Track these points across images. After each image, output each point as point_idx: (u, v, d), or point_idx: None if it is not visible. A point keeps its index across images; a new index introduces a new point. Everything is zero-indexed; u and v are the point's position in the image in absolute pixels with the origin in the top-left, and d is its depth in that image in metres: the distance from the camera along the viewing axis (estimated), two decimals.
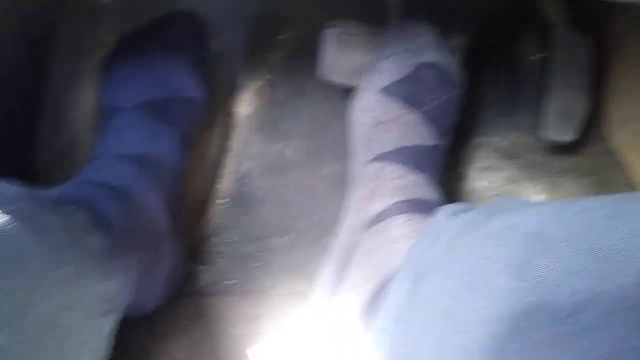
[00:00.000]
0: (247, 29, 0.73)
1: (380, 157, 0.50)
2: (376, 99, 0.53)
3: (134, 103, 0.56)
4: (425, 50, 0.54)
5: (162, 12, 0.63)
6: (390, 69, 0.53)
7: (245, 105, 0.72)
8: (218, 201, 0.68)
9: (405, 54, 0.53)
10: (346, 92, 0.66)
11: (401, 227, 0.46)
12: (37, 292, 0.32)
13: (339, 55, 0.59)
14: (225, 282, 0.62)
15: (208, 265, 0.63)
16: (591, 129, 0.67)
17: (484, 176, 0.68)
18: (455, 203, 0.42)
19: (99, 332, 0.40)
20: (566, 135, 0.61)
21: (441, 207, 0.41)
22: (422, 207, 0.48)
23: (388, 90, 0.52)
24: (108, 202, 0.46)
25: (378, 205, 0.48)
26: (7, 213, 0.33)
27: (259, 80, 0.72)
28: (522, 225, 0.28)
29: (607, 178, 0.65)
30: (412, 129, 0.51)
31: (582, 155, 0.67)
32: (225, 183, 0.69)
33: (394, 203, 0.47)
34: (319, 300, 0.50)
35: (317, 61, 0.64)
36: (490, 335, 0.26)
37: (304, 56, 0.70)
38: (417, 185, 0.49)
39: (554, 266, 0.25)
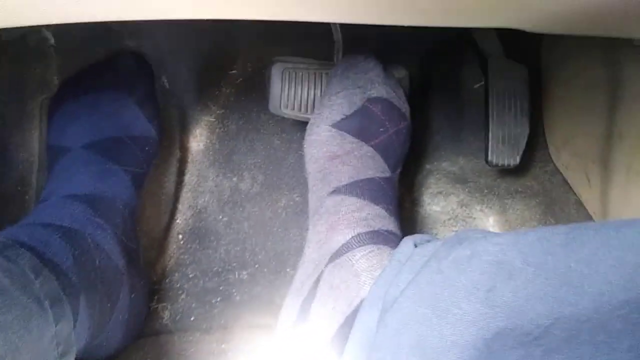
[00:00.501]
0: (197, 65, 0.73)
1: (338, 190, 0.52)
2: (329, 134, 0.54)
3: (82, 143, 0.56)
4: (372, 85, 0.56)
5: (107, 52, 0.63)
6: (340, 104, 0.55)
7: (198, 140, 0.72)
8: (176, 237, 0.67)
9: (354, 89, 0.55)
10: (299, 124, 0.67)
11: (363, 260, 0.46)
12: None
13: (285, 90, 0.60)
14: (187, 319, 0.61)
15: (168, 303, 0.62)
16: (536, 151, 0.70)
17: (437, 201, 0.70)
18: (416, 234, 0.43)
19: None
20: (510, 160, 0.64)
21: (404, 238, 0.42)
22: (382, 238, 0.49)
23: (339, 125, 0.54)
24: (56, 244, 0.45)
25: (339, 238, 0.49)
26: None
27: (211, 115, 0.72)
28: (483, 254, 0.29)
29: (555, 197, 0.68)
30: (365, 162, 0.53)
31: (530, 177, 0.70)
32: (183, 218, 0.68)
33: (355, 235, 0.48)
34: (284, 335, 0.50)
35: (264, 97, 0.65)
36: (463, 357, 0.27)
37: (255, 90, 0.71)
38: (376, 216, 0.50)
39: (517, 292, 0.27)
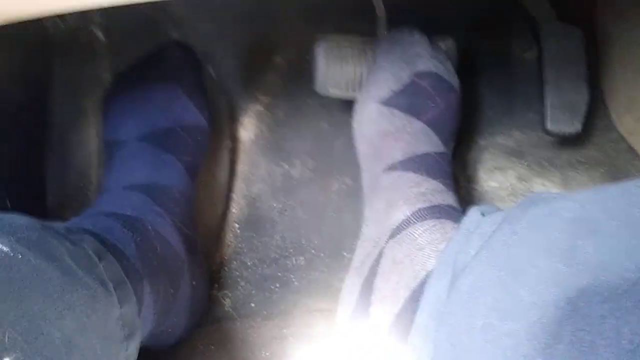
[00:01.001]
0: (242, 54, 0.73)
1: (393, 167, 0.51)
2: (378, 111, 0.53)
3: (136, 135, 0.57)
4: (419, 59, 0.54)
5: (154, 44, 0.64)
6: (387, 79, 0.53)
7: (247, 129, 0.72)
8: (232, 226, 0.67)
9: (400, 63, 0.54)
10: (346, 107, 0.66)
11: (427, 234, 0.45)
12: (49, 314, 0.32)
13: (331, 68, 0.60)
14: (247, 306, 0.62)
15: (229, 291, 0.63)
16: (597, 119, 0.67)
17: (494, 177, 0.68)
18: (482, 205, 0.42)
19: (119, 355, 0.39)
20: (572, 127, 0.61)
21: (471, 208, 0.41)
22: (444, 213, 0.48)
23: (388, 102, 0.53)
24: (119, 231, 0.46)
25: (399, 214, 0.48)
26: (17, 240, 0.33)
27: (258, 104, 0.72)
28: (562, 212, 0.28)
29: (620, 166, 0.65)
30: (418, 138, 0.52)
31: (591, 146, 0.67)
32: (237, 207, 0.69)
33: (416, 210, 0.47)
34: (346, 315, 0.50)
35: (312, 80, 0.65)
36: (540, 320, 0.26)
37: (300, 75, 0.71)
38: (434, 191, 0.49)
39: (600, 248, 0.25)
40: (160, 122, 0.58)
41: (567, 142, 0.67)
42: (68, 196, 0.64)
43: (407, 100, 0.52)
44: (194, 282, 0.55)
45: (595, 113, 0.67)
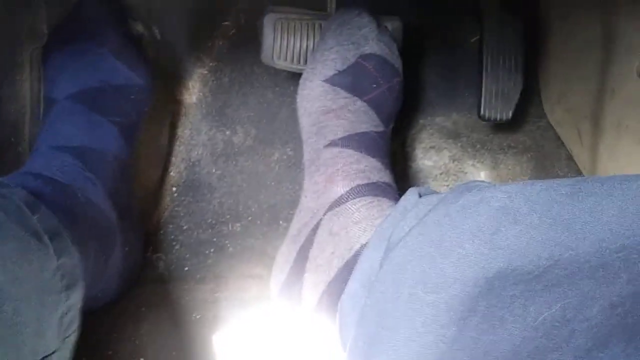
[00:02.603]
0: (190, 16, 0.72)
1: (334, 143, 0.52)
2: (322, 89, 0.54)
3: (67, 94, 0.56)
4: (367, 41, 0.56)
5: None
6: (334, 59, 0.55)
7: (191, 92, 0.71)
8: (170, 189, 0.67)
9: (347, 44, 0.55)
10: (292, 77, 0.67)
11: (364, 209, 0.48)
12: None
13: (277, 40, 0.60)
14: (181, 269, 0.63)
15: (163, 254, 0.63)
16: (530, 107, 0.70)
17: (429, 156, 0.70)
18: (420, 186, 0.44)
19: (59, 307, 0.39)
20: (503, 114, 0.64)
21: (410, 188, 0.44)
22: (381, 190, 0.50)
23: (333, 80, 0.54)
24: (49, 196, 0.46)
25: (338, 189, 0.50)
26: None
27: (204, 68, 0.72)
28: (490, 200, 0.30)
29: (547, 153, 0.69)
30: (359, 117, 0.53)
31: (521, 132, 0.70)
32: (176, 171, 0.69)
33: (355, 186, 0.50)
34: (279, 280, 0.52)
35: (258, 49, 0.65)
36: (460, 294, 0.29)
37: (248, 42, 0.71)
38: (373, 169, 0.51)
39: (520, 236, 0.28)
40: (89, 82, 0.56)
41: (500, 127, 0.70)
42: None
43: (351, 80, 0.54)
44: (126, 248, 0.55)
45: (530, 101, 0.70)
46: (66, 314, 0.40)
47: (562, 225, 0.27)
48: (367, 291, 0.38)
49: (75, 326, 0.41)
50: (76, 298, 0.42)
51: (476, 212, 0.30)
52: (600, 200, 0.27)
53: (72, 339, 0.41)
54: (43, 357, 0.36)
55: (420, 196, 0.41)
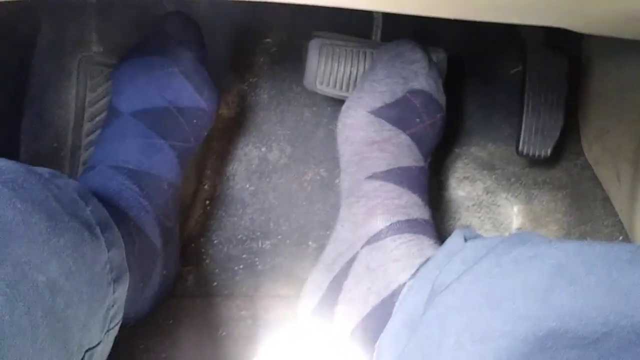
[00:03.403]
0: (232, 32, 0.73)
1: (376, 176, 0.52)
2: (367, 119, 0.54)
3: (132, 109, 0.56)
4: (417, 76, 0.56)
5: (159, 15, 0.61)
6: (382, 91, 0.55)
7: (230, 107, 0.72)
8: (202, 202, 0.68)
9: (397, 79, 0.56)
10: (331, 99, 0.67)
11: (403, 247, 0.48)
12: (34, 259, 0.32)
13: (322, 66, 0.60)
14: (209, 284, 0.63)
15: (193, 267, 0.64)
16: (568, 143, 0.70)
17: (463, 186, 0.70)
18: (465, 228, 0.44)
19: (106, 300, 0.40)
20: (542, 151, 0.63)
21: (456, 230, 0.44)
22: (420, 228, 0.50)
23: (379, 112, 0.54)
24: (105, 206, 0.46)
25: (378, 223, 0.50)
26: (2, 182, 0.33)
27: (243, 83, 0.72)
28: (546, 257, 0.30)
29: (582, 192, 0.68)
30: (402, 151, 0.54)
31: (558, 168, 0.70)
32: (210, 184, 0.69)
33: (395, 222, 0.50)
34: (309, 307, 0.52)
35: (301, 67, 0.65)
36: (508, 349, 0.28)
37: (289, 61, 0.71)
38: (413, 205, 0.52)
39: (576, 298, 0.28)
40: (155, 100, 0.56)
41: (536, 161, 0.69)
42: (41, 154, 0.64)
43: (397, 113, 0.54)
44: (164, 272, 0.55)
45: (568, 137, 0.70)
46: (112, 306, 0.40)
47: (620, 292, 0.27)
48: (409, 331, 0.38)
49: (118, 319, 0.42)
50: (122, 291, 0.42)
51: (530, 267, 0.30)
52: None
53: (114, 331, 0.41)
54: (87, 349, 0.37)
55: (465, 239, 0.41)
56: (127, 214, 0.50)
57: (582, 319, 0.27)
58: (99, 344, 0.38)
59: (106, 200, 0.48)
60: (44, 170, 0.41)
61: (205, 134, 0.61)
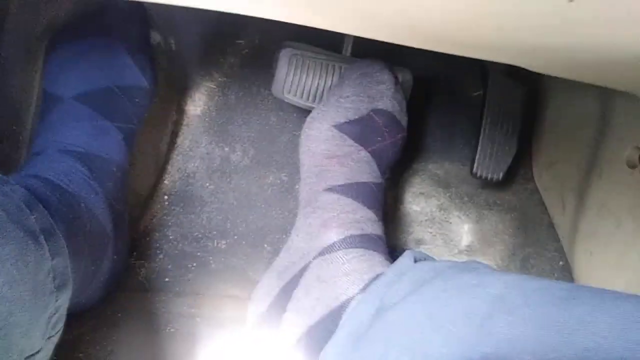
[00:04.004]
0: (206, 31, 0.73)
1: (333, 189, 0.54)
2: (330, 133, 0.56)
3: (74, 93, 0.56)
4: (382, 97, 0.58)
5: None
6: (347, 108, 0.56)
7: (197, 104, 0.72)
8: (161, 197, 0.68)
9: (362, 96, 0.57)
10: (298, 107, 0.68)
11: (355, 261, 0.49)
12: None
13: (290, 76, 0.61)
14: (161, 280, 0.63)
15: (146, 261, 0.64)
16: (520, 168, 0.73)
17: (418, 201, 0.72)
18: (415, 250, 0.46)
19: (48, 308, 0.40)
20: (494, 175, 0.66)
21: (406, 251, 0.46)
22: (372, 243, 0.52)
23: (342, 127, 0.56)
24: (52, 201, 0.46)
25: (332, 235, 0.51)
26: None
27: (212, 82, 0.73)
28: (488, 286, 0.32)
29: (530, 216, 0.71)
30: (361, 167, 0.55)
31: (509, 192, 0.73)
32: (170, 180, 0.70)
33: (348, 236, 0.51)
34: (258, 311, 0.53)
35: (271, 71, 0.66)
36: None
37: (259, 64, 0.72)
38: (367, 220, 0.53)
39: (512, 327, 0.30)
40: (99, 82, 0.56)
41: (489, 183, 0.72)
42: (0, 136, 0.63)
43: (360, 130, 0.56)
44: (115, 256, 0.56)
45: (521, 162, 0.73)
46: (54, 314, 0.41)
47: (552, 326, 0.29)
48: (353, 345, 0.40)
49: (60, 326, 0.42)
50: (65, 298, 0.42)
51: (472, 295, 0.32)
52: (592, 311, 0.28)
53: (56, 338, 0.42)
54: (27, 357, 0.37)
55: (415, 261, 0.43)
56: (77, 196, 0.50)
57: (516, 347, 0.29)
58: (39, 351, 0.39)
59: (55, 184, 0.48)
60: None
61: (145, 115, 0.62)
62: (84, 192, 0.51)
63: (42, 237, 0.40)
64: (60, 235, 0.43)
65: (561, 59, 0.38)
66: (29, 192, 0.43)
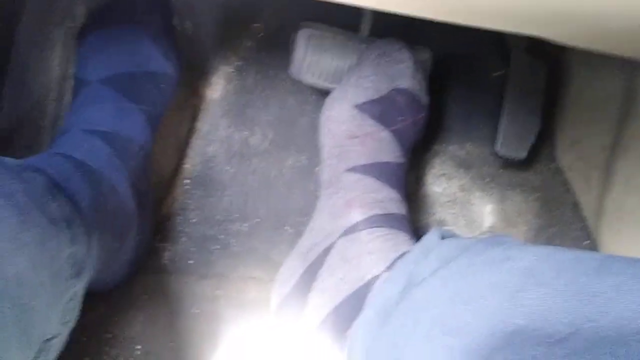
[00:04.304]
0: (222, 15, 0.73)
1: (355, 169, 0.54)
2: (350, 113, 0.55)
3: (101, 77, 0.56)
4: (402, 76, 0.57)
5: None
6: (367, 87, 0.56)
7: (215, 89, 0.72)
8: (182, 181, 0.69)
9: (383, 76, 0.57)
10: (316, 88, 0.68)
11: (379, 240, 0.49)
12: (4, 252, 0.33)
13: (309, 56, 0.61)
14: (185, 262, 0.64)
15: (169, 244, 0.65)
16: (544, 148, 0.72)
17: (439, 182, 0.72)
18: (442, 228, 0.46)
19: (66, 293, 0.41)
20: (518, 153, 0.65)
21: (433, 228, 0.46)
22: (397, 222, 0.52)
23: (362, 107, 0.55)
24: (76, 182, 0.47)
25: (356, 215, 0.51)
26: None
27: (230, 66, 0.73)
28: (518, 260, 0.32)
29: (554, 196, 0.70)
30: (384, 146, 0.55)
31: (533, 172, 0.72)
32: (191, 164, 0.70)
33: (373, 215, 0.51)
34: (282, 292, 0.53)
35: (288, 54, 0.66)
36: (475, 342, 0.30)
37: (276, 47, 0.72)
38: (391, 200, 0.53)
39: (544, 299, 0.29)
40: (124, 66, 0.57)
41: (512, 163, 0.71)
42: (20, 123, 0.63)
43: (380, 110, 0.55)
44: (139, 237, 0.56)
45: (544, 142, 0.72)
46: (71, 300, 0.42)
47: (586, 296, 0.28)
48: (382, 321, 0.40)
49: (76, 312, 0.43)
50: (81, 285, 0.43)
51: (502, 268, 0.32)
52: (627, 280, 0.28)
53: (72, 324, 0.43)
54: (45, 340, 0.38)
55: (442, 238, 0.43)
56: (101, 173, 0.50)
57: (549, 319, 0.28)
58: (56, 335, 0.39)
59: (79, 160, 0.49)
60: (13, 162, 0.42)
61: (170, 100, 0.62)
62: (107, 169, 0.51)
63: (63, 224, 0.41)
64: (81, 224, 0.43)
65: (588, 27, 0.37)
66: (51, 176, 0.44)
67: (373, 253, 0.49)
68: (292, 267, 0.54)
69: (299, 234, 0.59)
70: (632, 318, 0.27)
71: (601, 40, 0.42)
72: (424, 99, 0.59)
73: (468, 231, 0.71)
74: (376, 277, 0.47)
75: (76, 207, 0.44)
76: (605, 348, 0.27)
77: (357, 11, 0.64)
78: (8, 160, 0.41)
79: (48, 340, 0.38)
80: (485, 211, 0.71)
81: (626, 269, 0.29)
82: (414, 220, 0.71)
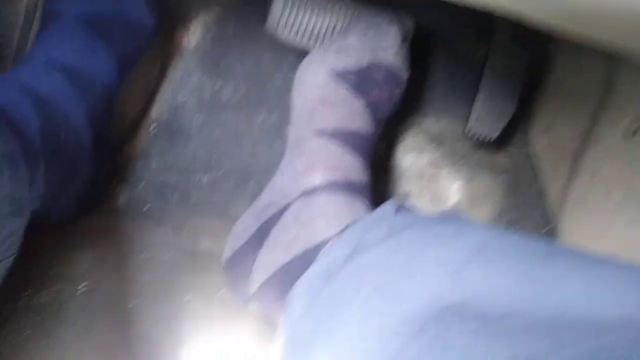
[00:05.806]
0: None
1: (323, 133, 0.53)
2: (326, 78, 0.54)
3: (75, 12, 0.55)
4: (385, 52, 0.56)
5: None
6: (349, 56, 0.55)
7: (193, 36, 0.70)
8: (147, 126, 0.67)
9: (366, 48, 0.55)
10: (295, 48, 0.66)
11: (334, 205, 0.49)
12: None
13: (287, 11, 0.59)
14: (141, 207, 0.63)
15: (127, 188, 0.64)
16: (518, 133, 0.71)
17: (409, 155, 0.71)
18: (397, 201, 0.46)
19: (2, 230, 0.40)
20: (489, 133, 0.64)
21: (388, 200, 0.46)
22: (356, 191, 0.51)
23: (340, 74, 0.54)
24: (26, 108, 0.46)
25: (317, 179, 0.51)
26: None
27: (209, 13, 0.71)
28: (469, 237, 0.32)
29: (521, 180, 0.70)
30: (355, 116, 0.54)
31: (504, 154, 0.71)
32: (158, 110, 0.68)
33: (333, 181, 0.51)
34: (235, 246, 0.52)
35: (268, 9, 0.64)
36: (412, 313, 0.30)
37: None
38: (353, 168, 0.52)
39: (487, 277, 0.29)
40: (102, 7, 0.56)
41: (484, 144, 0.70)
42: None
43: (358, 80, 0.54)
44: (93, 174, 0.55)
45: (519, 126, 0.71)
46: (9, 237, 0.41)
47: (529, 280, 0.28)
48: (323, 283, 0.39)
49: (14, 250, 0.42)
50: (19, 224, 0.43)
51: (450, 244, 0.32)
52: (568, 272, 0.28)
53: (8, 262, 0.42)
54: None
55: (398, 209, 0.43)
56: (55, 102, 0.49)
57: (489, 298, 0.28)
58: None
59: (32, 88, 0.47)
60: None
61: (146, 49, 0.61)
62: (62, 100, 0.50)
63: (4, 162, 0.40)
64: (22, 157, 0.42)
65: (574, 11, 0.36)
66: (3, 114, 0.43)
67: (327, 217, 0.48)
68: (247, 222, 0.53)
69: (260, 192, 0.59)
70: (566, 308, 0.27)
71: (584, 26, 0.40)
72: (404, 74, 0.58)
73: (432, 206, 0.71)
74: (327, 240, 0.47)
75: (21, 134, 0.43)
76: (537, 333, 0.27)
77: None
78: None
79: None
80: (452, 188, 0.71)
81: (571, 260, 0.29)
82: (379, 190, 0.70)
